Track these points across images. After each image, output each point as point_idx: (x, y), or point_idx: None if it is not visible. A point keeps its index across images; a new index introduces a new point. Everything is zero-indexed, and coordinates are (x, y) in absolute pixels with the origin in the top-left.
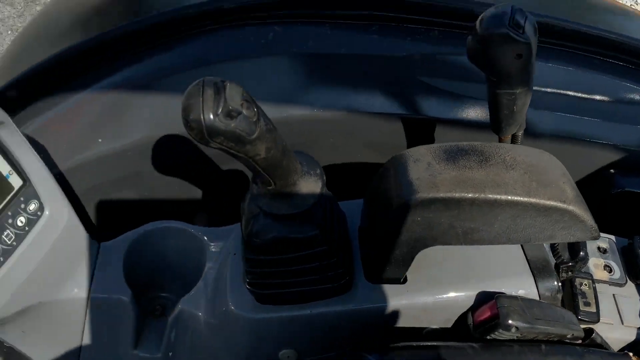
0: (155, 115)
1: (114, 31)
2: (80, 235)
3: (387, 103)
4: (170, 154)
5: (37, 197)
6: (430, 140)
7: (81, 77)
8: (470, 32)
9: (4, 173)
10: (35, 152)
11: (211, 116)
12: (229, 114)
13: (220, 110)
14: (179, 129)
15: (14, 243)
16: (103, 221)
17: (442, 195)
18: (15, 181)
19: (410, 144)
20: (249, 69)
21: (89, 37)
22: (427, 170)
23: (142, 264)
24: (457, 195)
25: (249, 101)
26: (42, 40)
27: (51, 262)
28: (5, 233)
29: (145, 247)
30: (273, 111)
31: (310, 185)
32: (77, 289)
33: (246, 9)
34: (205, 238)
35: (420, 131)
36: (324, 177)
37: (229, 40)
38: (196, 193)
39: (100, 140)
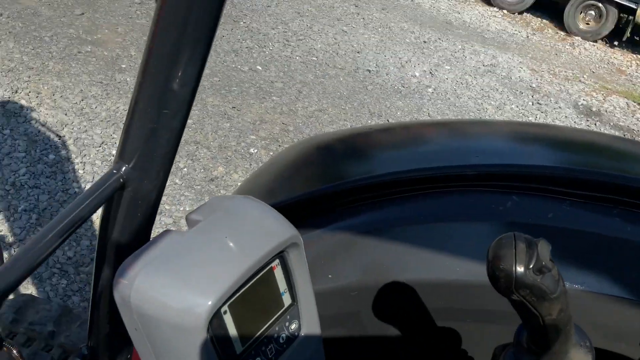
0: (381, 260)
1: (357, 181)
2: None
3: (624, 287)
4: (386, 299)
5: (299, 318)
6: None
7: (323, 215)
8: None
9: (281, 290)
10: (309, 275)
11: (522, 269)
12: (540, 270)
13: (532, 264)
14: (402, 276)
15: (273, 358)
16: None
17: None
18: (287, 299)
19: None
20: (481, 232)
21: (333, 182)
22: None
23: None
24: None
25: (552, 260)
26: (281, 177)
27: None
28: (269, 347)
29: None
30: None
31: (581, 357)
32: None
33: (487, 177)
34: None
35: None
36: (594, 352)
37: (467, 202)
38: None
39: (330, 276)
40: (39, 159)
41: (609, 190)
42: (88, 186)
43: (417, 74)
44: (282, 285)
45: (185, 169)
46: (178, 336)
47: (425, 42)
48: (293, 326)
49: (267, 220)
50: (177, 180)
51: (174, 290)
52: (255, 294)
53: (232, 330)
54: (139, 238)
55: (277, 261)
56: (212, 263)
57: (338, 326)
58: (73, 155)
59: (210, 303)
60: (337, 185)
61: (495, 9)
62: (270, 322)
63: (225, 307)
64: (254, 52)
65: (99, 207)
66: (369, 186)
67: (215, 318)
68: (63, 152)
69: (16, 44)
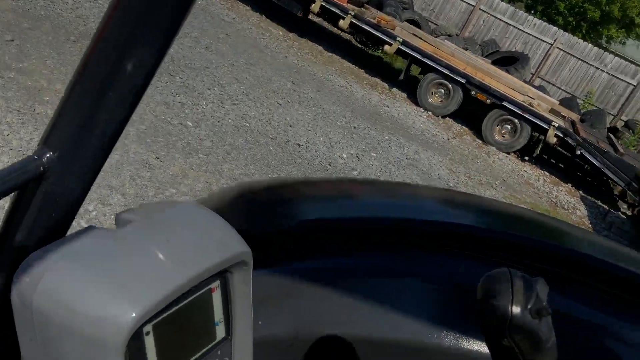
0: (320, 311)
1: (303, 223)
2: None
3: None
4: (322, 355)
5: (230, 357)
6: None
7: (261, 254)
8: None
9: (216, 319)
10: (252, 306)
11: (519, 309)
12: (539, 312)
13: (530, 304)
14: (342, 330)
15: None
16: None
17: None
18: (220, 331)
19: None
20: (433, 293)
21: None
22: None
23: None
24: None
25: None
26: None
27: None
28: None
29: None
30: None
31: None
32: None
33: (449, 237)
34: None
35: None
36: None
37: (422, 260)
38: None
39: (260, 322)
40: None
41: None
42: None
43: (344, 156)
44: (218, 313)
45: (95, 213)
46: (87, 352)
47: (355, 127)
48: None
49: (213, 230)
50: (82, 223)
51: (91, 294)
52: (186, 319)
53: (152, 357)
54: (51, 240)
55: (217, 282)
56: (141, 271)
57: None
58: None
59: (134, 315)
60: (279, 226)
61: (421, 109)
62: (198, 355)
63: (149, 327)
64: (186, 108)
65: (8, 194)
66: (313, 230)
67: (135, 339)
68: None
69: None
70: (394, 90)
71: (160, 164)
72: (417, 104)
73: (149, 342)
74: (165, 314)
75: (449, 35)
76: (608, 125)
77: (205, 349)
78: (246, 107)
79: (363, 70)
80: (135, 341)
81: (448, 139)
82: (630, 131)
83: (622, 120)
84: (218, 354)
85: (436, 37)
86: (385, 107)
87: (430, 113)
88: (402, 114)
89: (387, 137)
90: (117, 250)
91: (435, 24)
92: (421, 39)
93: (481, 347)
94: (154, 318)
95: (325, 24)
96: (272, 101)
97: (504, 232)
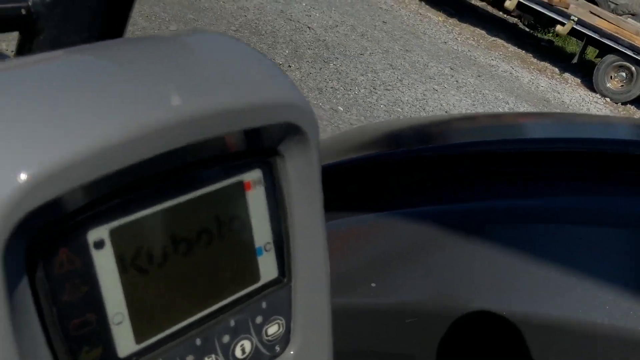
0: (463, 274)
1: (447, 147)
2: None
3: None
4: (464, 338)
5: (289, 318)
6: None
7: (384, 191)
8: None
9: (257, 243)
10: (325, 233)
11: None
12: None
13: None
14: (498, 305)
15: None
16: None
17: None
18: (269, 268)
19: None
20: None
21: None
22: None
23: None
24: None
25: None
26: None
27: None
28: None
29: None
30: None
31: None
32: None
33: None
34: None
35: None
36: None
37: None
38: None
39: (373, 284)
40: None
41: None
42: None
43: None
44: (261, 232)
45: None
46: None
47: None
48: (272, 330)
49: (245, 65)
50: None
51: None
52: (189, 232)
53: (115, 301)
54: None
55: (257, 172)
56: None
57: None
58: None
59: (26, 177)
60: (408, 152)
61: (597, 95)
62: (216, 307)
63: (103, 231)
64: (338, 93)
65: None
66: (463, 157)
67: (63, 249)
68: None
69: None
70: (566, 75)
71: None
72: (592, 89)
73: (104, 262)
74: (140, 212)
75: (633, 15)
76: None
77: (233, 297)
78: (399, 92)
79: (530, 55)
80: (66, 253)
81: None
82: None
83: None
84: (262, 307)
85: (618, 16)
86: (555, 92)
87: (608, 99)
88: (574, 100)
89: None
90: (69, 73)
91: (615, 4)
92: (599, 17)
93: None
94: (112, 213)
95: (489, 8)
96: (427, 87)
97: None
